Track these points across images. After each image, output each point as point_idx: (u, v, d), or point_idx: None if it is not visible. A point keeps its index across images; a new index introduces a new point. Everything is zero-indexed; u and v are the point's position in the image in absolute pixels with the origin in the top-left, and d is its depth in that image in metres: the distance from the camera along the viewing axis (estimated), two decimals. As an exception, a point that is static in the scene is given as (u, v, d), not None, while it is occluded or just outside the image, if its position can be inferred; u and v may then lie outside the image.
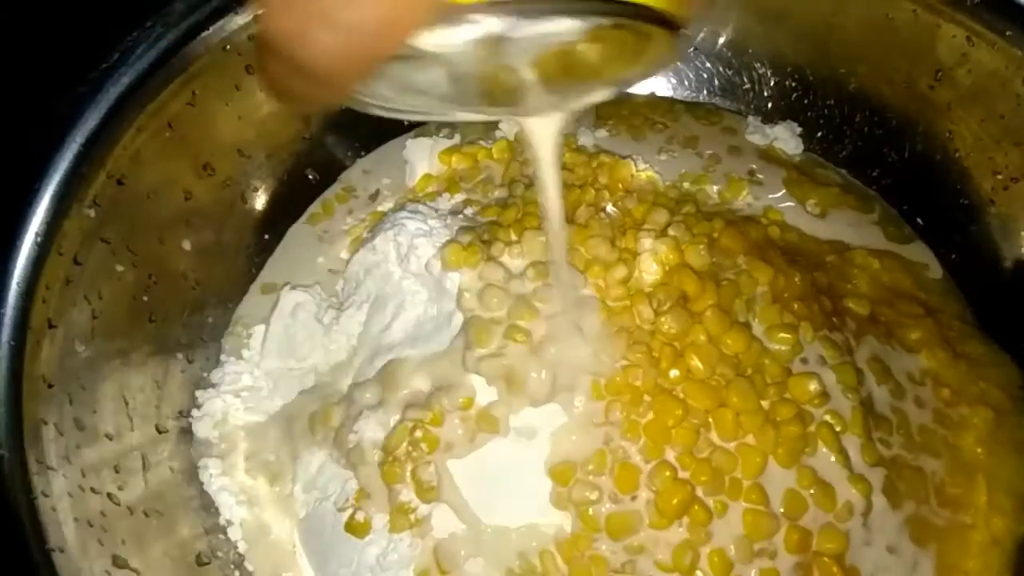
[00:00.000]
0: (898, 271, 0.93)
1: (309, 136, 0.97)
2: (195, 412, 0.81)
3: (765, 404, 0.73)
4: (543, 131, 0.57)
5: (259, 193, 0.94)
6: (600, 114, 1.00)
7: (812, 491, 0.72)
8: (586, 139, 0.97)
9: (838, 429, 0.74)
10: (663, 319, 0.73)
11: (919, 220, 0.98)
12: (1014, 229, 0.91)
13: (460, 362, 0.73)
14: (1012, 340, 0.88)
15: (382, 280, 0.81)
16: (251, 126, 0.91)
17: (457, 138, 0.96)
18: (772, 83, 1.05)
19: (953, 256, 0.95)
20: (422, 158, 0.92)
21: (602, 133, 0.98)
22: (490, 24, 0.39)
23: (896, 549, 0.75)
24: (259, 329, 0.85)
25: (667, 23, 0.42)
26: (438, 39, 0.39)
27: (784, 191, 0.97)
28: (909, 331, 0.86)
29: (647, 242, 0.76)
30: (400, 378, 0.74)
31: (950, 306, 0.91)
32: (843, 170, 1.02)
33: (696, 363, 0.73)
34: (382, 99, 0.45)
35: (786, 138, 1.02)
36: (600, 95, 0.51)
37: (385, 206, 0.92)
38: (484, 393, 0.72)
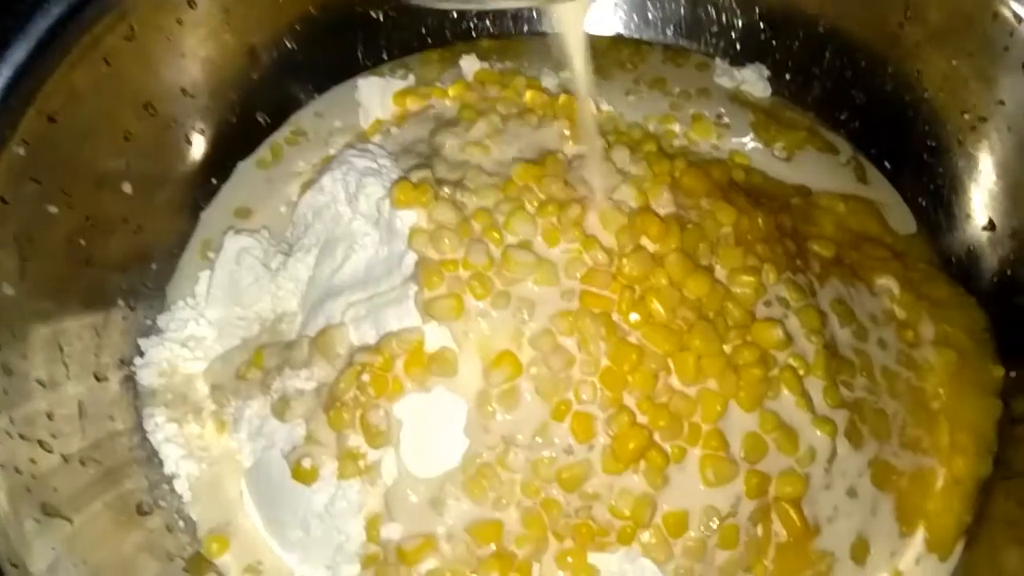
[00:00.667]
0: (864, 214, 0.91)
1: (258, 76, 0.93)
2: (138, 360, 0.78)
3: (727, 348, 0.71)
4: (571, 17, 0.62)
5: (205, 135, 0.90)
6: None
7: (774, 435, 0.71)
8: (549, 81, 0.94)
9: (801, 372, 0.73)
10: (624, 261, 0.71)
11: (887, 164, 0.96)
12: (982, 170, 0.89)
13: (411, 305, 0.70)
14: (978, 283, 0.87)
15: (331, 222, 0.78)
16: (195, 64, 0.87)
17: (412, 79, 0.92)
18: (740, 24, 1.02)
19: (920, 199, 0.93)
20: (375, 99, 0.89)
21: (567, 74, 0.95)
22: None
23: (856, 492, 0.74)
24: (205, 275, 0.82)
25: None
26: None
27: (751, 135, 0.94)
28: (874, 273, 0.84)
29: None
30: (336, 344, 0.72)
31: (916, 249, 0.90)
32: (811, 113, 0.99)
33: (657, 307, 0.71)
34: None
35: (754, 81, 1.00)
36: None
37: (337, 148, 0.89)
38: (436, 336, 0.69)
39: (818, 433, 0.72)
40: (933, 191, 0.92)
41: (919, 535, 0.75)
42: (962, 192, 0.91)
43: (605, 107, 0.87)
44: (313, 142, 0.91)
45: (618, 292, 0.71)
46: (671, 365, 0.70)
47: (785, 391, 0.72)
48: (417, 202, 0.72)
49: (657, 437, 0.69)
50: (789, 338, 0.73)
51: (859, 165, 0.96)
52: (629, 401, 0.69)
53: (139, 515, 0.70)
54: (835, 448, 0.73)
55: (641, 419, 0.69)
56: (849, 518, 0.74)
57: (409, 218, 0.72)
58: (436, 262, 0.70)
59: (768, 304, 0.75)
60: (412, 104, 0.89)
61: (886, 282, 0.83)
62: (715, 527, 0.69)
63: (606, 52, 1.00)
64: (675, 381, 0.71)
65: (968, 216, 0.90)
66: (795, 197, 0.91)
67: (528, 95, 0.87)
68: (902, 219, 0.92)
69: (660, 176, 0.76)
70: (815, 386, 0.73)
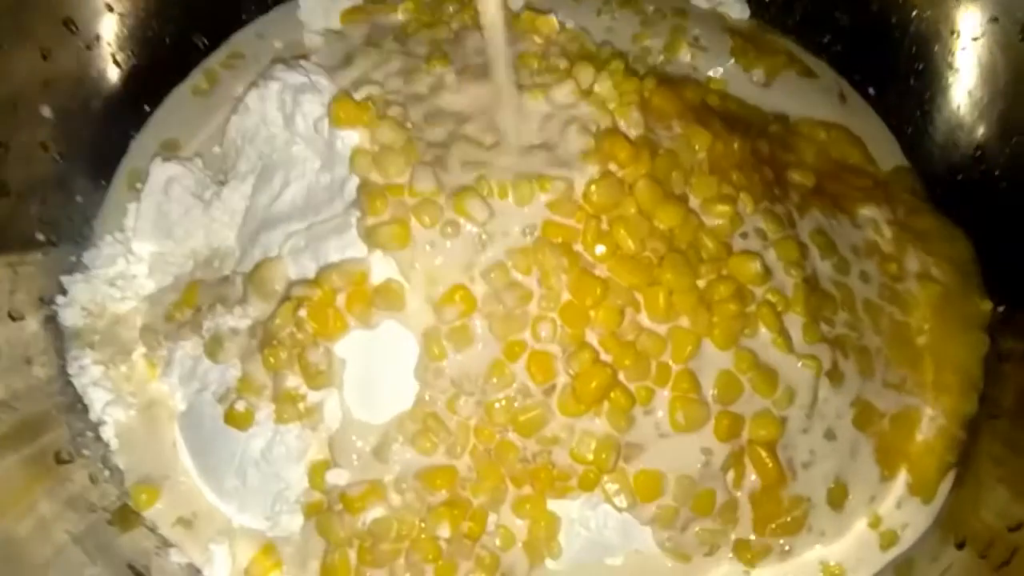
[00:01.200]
0: (846, 143, 0.85)
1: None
2: (60, 299, 0.72)
3: (701, 283, 0.66)
4: None
5: (134, 58, 0.82)
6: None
7: (750, 375, 0.66)
8: (516, 2, 0.86)
9: (779, 308, 0.68)
10: (590, 188, 0.65)
11: (871, 90, 0.90)
12: (973, 94, 0.83)
13: (354, 233, 0.64)
14: (965, 215, 0.82)
15: (266, 146, 0.71)
16: (122, -25, 0.80)
17: None
18: (716, -59, 0.95)
19: (906, 127, 0.88)
20: (318, 17, 0.81)
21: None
22: None
23: (835, 435, 0.70)
24: (134, 208, 0.75)
25: None
26: None
27: (731, 60, 0.88)
28: (856, 204, 0.79)
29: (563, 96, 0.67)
30: (272, 279, 0.66)
31: (901, 179, 0.85)
32: (792, 36, 0.93)
33: (625, 237, 0.65)
34: None
35: (731, 3, 0.93)
36: None
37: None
38: (381, 267, 0.63)
39: (797, 373, 0.67)
40: (919, 117, 0.87)
41: (901, 478, 0.72)
42: (951, 119, 0.85)
43: (570, 24, 0.80)
44: (252, 66, 0.83)
45: (583, 222, 0.65)
46: (639, 300, 0.65)
47: (762, 328, 0.67)
48: (359, 121, 0.66)
49: (622, 377, 0.64)
50: (767, 271, 0.68)
51: (841, 92, 0.90)
52: (592, 338, 0.64)
53: (58, 464, 0.64)
54: (816, 389, 0.68)
55: (605, 358, 0.64)
56: (826, 461, 0.70)
57: (351, 139, 0.66)
58: (380, 186, 0.64)
59: (744, 236, 0.70)
60: (360, 23, 0.81)
61: (869, 212, 0.78)
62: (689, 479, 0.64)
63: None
64: (643, 318, 0.66)
65: (956, 144, 0.84)
66: (774, 124, 0.85)
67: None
68: (886, 148, 0.87)
69: (627, 95, 0.70)
70: (794, 323, 0.68)
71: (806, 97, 0.88)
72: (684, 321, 0.65)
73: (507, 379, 0.63)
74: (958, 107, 0.85)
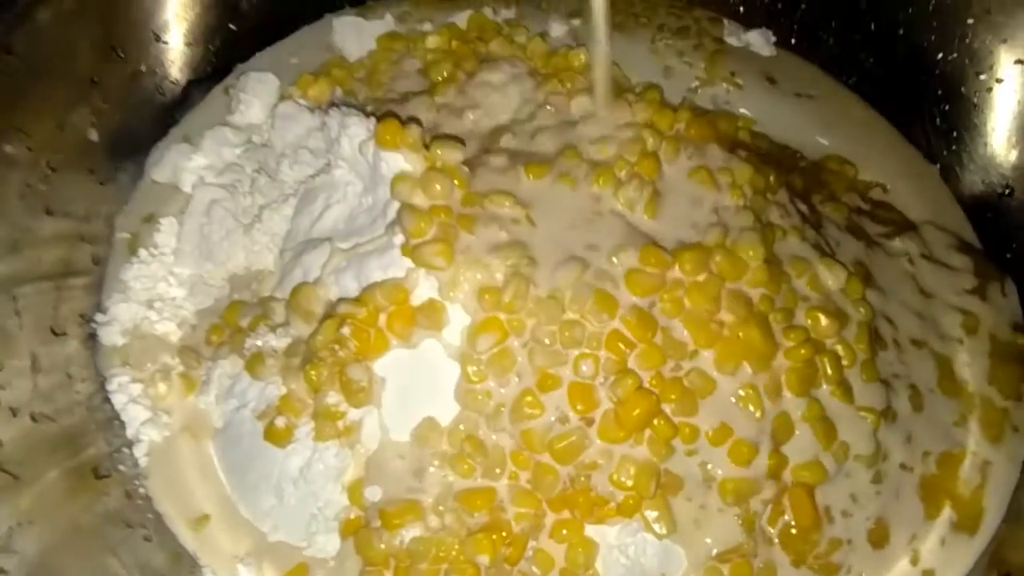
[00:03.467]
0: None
1: (237, 27, 0.87)
2: (100, 317, 0.72)
3: (778, 341, 0.65)
4: None
5: (178, 86, 0.84)
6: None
7: (811, 424, 0.65)
8: (558, 29, 0.89)
9: (846, 362, 0.67)
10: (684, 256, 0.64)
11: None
12: (998, 133, 0.85)
13: (397, 253, 0.65)
14: (998, 250, 0.82)
15: (310, 169, 0.72)
16: (168, 6, 0.82)
17: (389, 18, 0.87)
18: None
19: (936, 165, 0.89)
20: (353, 43, 0.83)
21: (576, 22, 0.90)
22: None
23: (882, 478, 0.68)
24: (168, 224, 0.76)
25: None
26: None
27: (758, 96, 0.89)
28: (889, 237, 0.79)
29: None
30: (311, 302, 0.66)
31: (939, 215, 0.84)
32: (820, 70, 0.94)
33: (711, 299, 0.64)
34: None
35: (760, 44, 0.96)
36: None
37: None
38: (423, 287, 0.64)
39: (857, 424, 0.66)
40: (946, 156, 0.88)
41: (945, 515, 0.70)
42: (978, 157, 0.86)
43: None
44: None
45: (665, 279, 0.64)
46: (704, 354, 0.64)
47: (825, 374, 0.66)
48: (404, 143, 0.67)
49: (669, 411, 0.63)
50: (840, 319, 0.67)
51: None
52: (634, 364, 0.63)
53: (96, 478, 0.64)
54: (876, 439, 0.67)
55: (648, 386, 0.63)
56: (870, 504, 0.68)
57: (395, 161, 0.67)
58: (424, 208, 0.65)
59: (805, 276, 0.69)
60: (394, 50, 0.83)
61: (901, 245, 0.78)
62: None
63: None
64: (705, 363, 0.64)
65: (984, 182, 0.86)
66: (803, 160, 0.86)
67: (532, 45, 0.82)
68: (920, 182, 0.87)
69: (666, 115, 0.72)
70: (856, 363, 0.67)
71: (835, 133, 0.89)
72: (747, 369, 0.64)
73: (544, 407, 0.62)
74: (985, 145, 0.86)
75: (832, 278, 0.70)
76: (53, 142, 0.72)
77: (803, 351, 0.65)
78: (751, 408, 0.64)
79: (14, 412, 0.62)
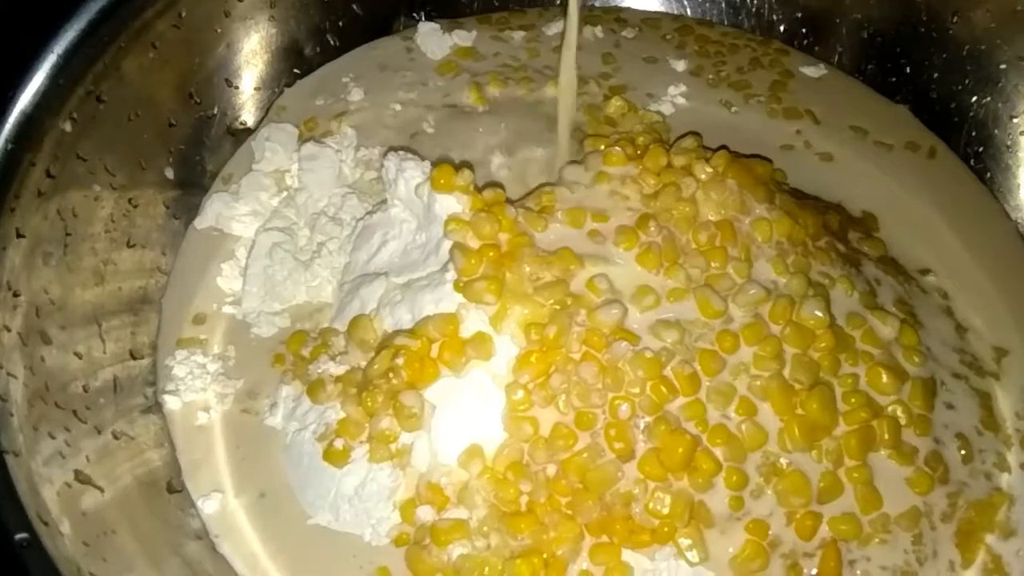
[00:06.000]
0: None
1: (301, 71, 0.94)
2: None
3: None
4: None
5: (247, 127, 0.90)
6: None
7: (859, 488, 0.65)
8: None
9: (904, 422, 0.67)
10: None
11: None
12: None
13: (449, 288, 0.69)
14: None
15: (367, 208, 0.78)
16: (240, 55, 0.88)
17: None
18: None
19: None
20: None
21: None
22: None
23: (922, 539, 0.68)
24: (229, 268, 0.81)
25: None
26: None
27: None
28: (924, 272, 0.81)
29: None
30: (367, 333, 0.71)
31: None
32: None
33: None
34: None
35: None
36: None
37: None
38: (473, 320, 0.68)
39: (905, 492, 0.67)
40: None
41: (979, 560, 0.69)
42: (1012, 197, 0.89)
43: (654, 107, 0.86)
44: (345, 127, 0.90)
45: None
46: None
47: (882, 437, 0.66)
48: (457, 187, 0.72)
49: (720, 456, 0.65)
50: (896, 377, 0.67)
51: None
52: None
53: (169, 492, 0.69)
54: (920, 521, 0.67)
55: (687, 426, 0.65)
56: (903, 562, 0.67)
57: (448, 203, 0.72)
58: (474, 248, 0.70)
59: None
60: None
61: (933, 280, 0.80)
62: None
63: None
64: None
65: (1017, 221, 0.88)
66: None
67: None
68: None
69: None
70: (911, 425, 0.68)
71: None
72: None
73: (577, 440, 0.65)
74: (1019, 187, 0.88)
75: (886, 328, 0.71)
76: (135, 180, 0.79)
77: (863, 414, 0.66)
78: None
79: (98, 430, 0.67)
